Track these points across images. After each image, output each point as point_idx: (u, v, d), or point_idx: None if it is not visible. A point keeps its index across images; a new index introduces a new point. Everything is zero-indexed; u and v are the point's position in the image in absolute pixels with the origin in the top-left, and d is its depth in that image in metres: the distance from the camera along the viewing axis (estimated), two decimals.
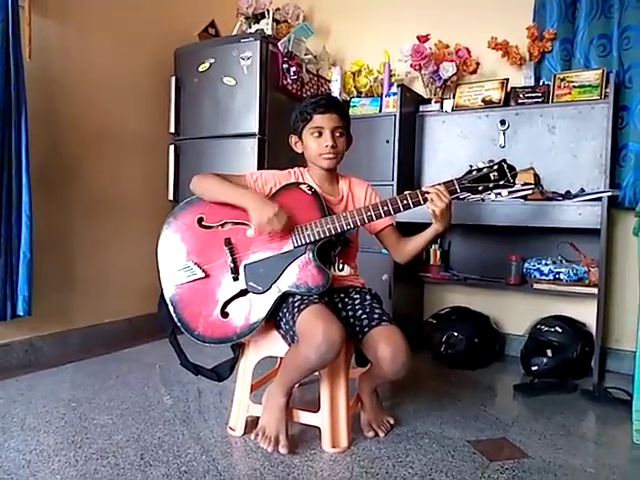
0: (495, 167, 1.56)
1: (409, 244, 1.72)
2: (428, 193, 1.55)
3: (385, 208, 1.57)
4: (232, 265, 1.59)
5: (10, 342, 2.30)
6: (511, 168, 1.56)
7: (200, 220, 1.65)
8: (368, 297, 1.68)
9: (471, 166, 1.59)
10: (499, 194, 1.58)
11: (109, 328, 2.71)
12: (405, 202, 1.56)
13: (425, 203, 1.56)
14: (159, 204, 2.85)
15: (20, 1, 2.16)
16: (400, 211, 1.58)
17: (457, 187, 1.56)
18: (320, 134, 1.67)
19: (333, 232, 1.57)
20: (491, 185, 1.56)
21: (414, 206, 1.57)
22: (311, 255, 1.56)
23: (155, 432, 1.67)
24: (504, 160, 1.57)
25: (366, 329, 1.56)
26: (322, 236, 1.56)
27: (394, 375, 1.55)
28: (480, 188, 1.56)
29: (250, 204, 1.56)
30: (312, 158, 1.71)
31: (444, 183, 1.57)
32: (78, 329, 2.57)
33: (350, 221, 1.57)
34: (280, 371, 1.65)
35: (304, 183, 1.66)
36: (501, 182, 1.56)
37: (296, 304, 1.51)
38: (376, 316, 1.59)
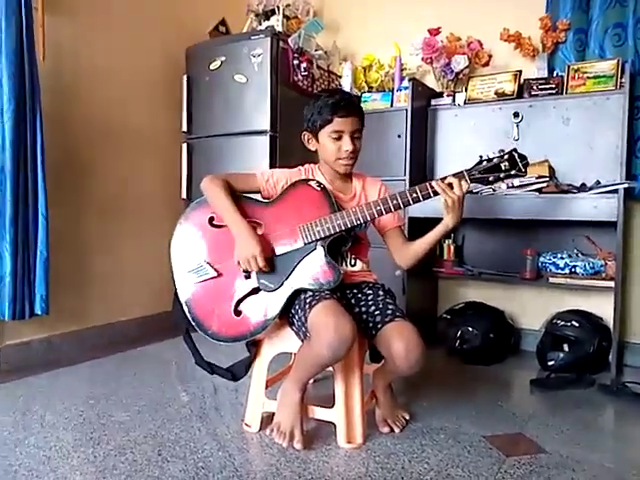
0: (506, 157, 1.53)
1: (413, 247, 1.70)
2: (444, 179, 1.53)
3: (395, 202, 1.56)
4: None
5: (29, 340, 2.34)
6: (522, 157, 1.53)
7: (211, 219, 1.66)
8: (381, 293, 1.68)
9: (481, 157, 1.56)
10: (511, 184, 1.55)
11: (125, 326, 2.74)
12: (415, 195, 1.55)
13: (435, 196, 1.54)
14: (172, 202, 2.87)
15: (33, 2, 2.18)
16: (410, 204, 1.57)
17: (467, 178, 1.54)
18: (340, 137, 1.64)
19: (343, 227, 1.56)
20: (502, 175, 1.53)
21: (424, 199, 1.55)
22: (322, 251, 1.56)
23: (172, 428, 1.68)
24: (515, 149, 1.54)
25: (379, 325, 1.56)
26: (332, 232, 1.56)
27: (408, 371, 1.54)
28: (491, 178, 1.54)
29: (235, 236, 1.58)
30: (329, 161, 1.69)
31: (454, 175, 1.55)
32: (95, 327, 2.60)
33: (360, 216, 1.55)
34: (294, 367, 1.66)
35: (313, 179, 1.66)
36: (512, 172, 1.52)
37: (307, 300, 1.51)
38: (389, 312, 1.58)
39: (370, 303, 1.63)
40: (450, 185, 1.53)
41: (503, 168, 1.53)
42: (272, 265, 1.57)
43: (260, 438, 1.63)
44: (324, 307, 1.46)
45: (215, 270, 1.63)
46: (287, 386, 1.63)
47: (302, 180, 1.66)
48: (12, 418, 1.74)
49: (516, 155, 1.53)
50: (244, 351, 1.72)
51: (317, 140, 1.69)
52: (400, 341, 1.48)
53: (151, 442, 1.58)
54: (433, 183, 1.54)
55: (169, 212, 2.75)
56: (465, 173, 1.54)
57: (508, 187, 1.56)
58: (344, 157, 1.65)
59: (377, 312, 1.59)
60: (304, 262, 1.56)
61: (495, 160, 1.53)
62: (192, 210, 1.71)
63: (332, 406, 1.60)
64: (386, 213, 1.58)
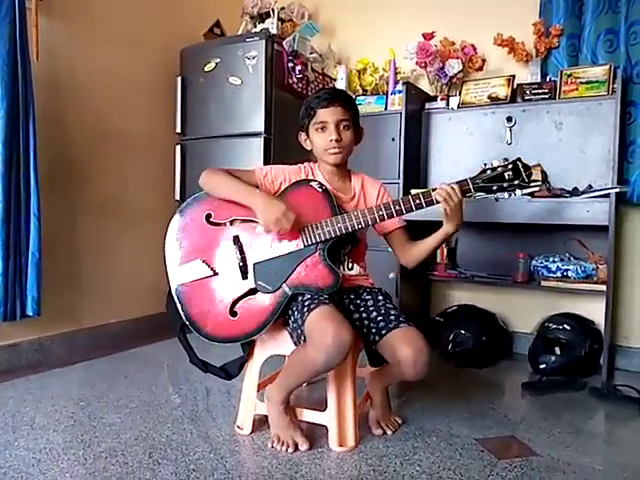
0: (510, 166, 1.52)
1: (417, 248, 1.70)
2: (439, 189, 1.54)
3: (397, 207, 1.55)
4: (241, 264, 1.59)
5: (19, 342, 2.32)
6: (526, 167, 1.52)
7: (208, 217, 1.64)
8: (380, 297, 1.67)
9: (485, 164, 1.56)
10: (513, 193, 1.55)
11: (117, 328, 2.73)
12: (417, 201, 1.54)
13: (438, 203, 1.54)
14: (166, 204, 2.86)
15: (27, 3, 2.17)
16: (412, 211, 1.56)
17: (471, 186, 1.54)
18: (324, 129, 1.65)
19: (344, 231, 1.55)
20: (505, 185, 1.52)
21: (426, 205, 1.55)
22: (321, 254, 1.55)
23: (163, 431, 1.67)
24: (519, 159, 1.54)
25: (384, 331, 1.54)
26: (333, 235, 1.55)
27: (416, 377, 1.52)
28: (494, 188, 1.53)
29: (258, 204, 1.54)
30: (319, 154, 1.70)
31: (458, 182, 1.54)
32: (86, 329, 2.59)
33: (362, 220, 1.55)
34: (282, 373, 1.62)
35: (315, 180, 1.65)
36: (516, 182, 1.52)
37: (306, 303, 1.50)
38: (393, 318, 1.57)
39: (371, 309, 1.62)
40: (451, 190, 1.53)
41: (507, 177, 1.52)
42: (301, 222, 1.56)
43: (252, 440, 1.62)
44: (323, 312, 1.45)
45: (211, 269, 1.61)
46: (271, 396, 1.60)
47: (303, 180, 1.66)
48: (1, 420, 1.73)
49: (520, 164, 1.52)
50: (238, 350, 1.71)
51: (309, 138, 1.70)
52: (408, 348, 1.48)
53: (142, 444, 1.57)
54: (434, 188, 1.55)
55: (162, 214, 2.72)
56: (469, 181, 1.54)
57: (510, 196, 1.57)
58: (330, 147, 1.64)
59: (380, 318, 1.58)
60: (303, 264, 1.55)
61: (499, 169, 1.53)
62: (189, 206, 1.68)
63: (324, 409, 1.60)
64: (388, 218, 1.58)
